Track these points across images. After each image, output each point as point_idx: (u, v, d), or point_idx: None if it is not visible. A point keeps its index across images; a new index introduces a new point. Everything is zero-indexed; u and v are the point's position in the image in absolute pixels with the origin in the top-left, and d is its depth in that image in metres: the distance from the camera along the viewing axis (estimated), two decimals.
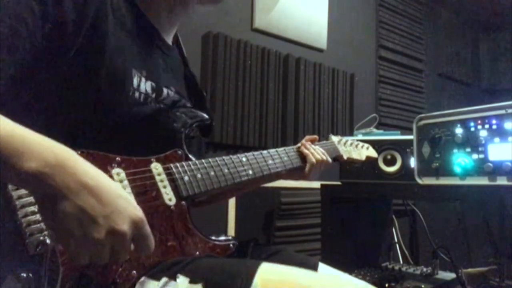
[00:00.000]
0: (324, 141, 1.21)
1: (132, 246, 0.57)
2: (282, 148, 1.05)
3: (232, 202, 1.98)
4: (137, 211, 0.57)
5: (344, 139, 1.31)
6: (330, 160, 1.13)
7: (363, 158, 1.35)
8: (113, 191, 0.56)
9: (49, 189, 0.51)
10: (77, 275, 0.62)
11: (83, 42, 0.70)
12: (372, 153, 1.42)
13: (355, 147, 1.33)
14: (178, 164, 0.79)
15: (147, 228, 0.57)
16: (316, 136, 1.17)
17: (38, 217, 0.59)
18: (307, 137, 1.16)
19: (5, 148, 0.50)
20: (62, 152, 0.55)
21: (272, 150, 1.01)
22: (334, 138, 1.27)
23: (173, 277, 0.68)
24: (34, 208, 0.59)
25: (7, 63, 0.62)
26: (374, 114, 2.22)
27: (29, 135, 0.54)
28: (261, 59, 2.18)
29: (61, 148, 0.55)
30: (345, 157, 1.24)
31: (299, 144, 1.12)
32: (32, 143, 0.53)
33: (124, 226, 0.54)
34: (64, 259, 0.60)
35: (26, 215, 0.58)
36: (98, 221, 0.52)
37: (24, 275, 0.48)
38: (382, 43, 2.98)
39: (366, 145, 1.40)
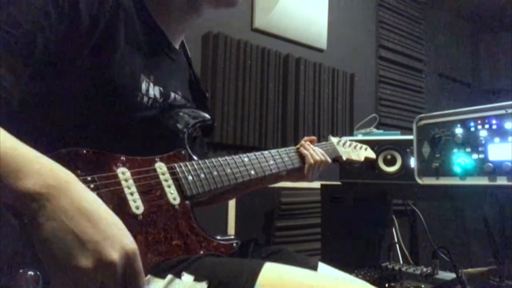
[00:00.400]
0: (324, 142, 1.24)
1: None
2: (283, 149, 1.07)
3: (232, 202, 1.99)
4: (131, 243, 0.52)
5: (343, 140, 1.32)
6: (329, 160, 1.15)
7: (362, 159, 1.37)
8: (109, 218, 0.53)
9: (42, 210, 0.48)
10: None
11: (94, 47, 0.71)
12: (371, 154, 1.44)
13: (354, 148, 1.36)
14: (181, 164, 0.80)
15: (140, 265, 0.53)
16: (314, 137, 1.18)
17: None
18: (306, 138, 1.18)
19: (4, 165, 0.48)
20: (63, 175, 0.52)
21: (273, 151, 1.03)
22: (333, 139, 1.28)
23: (178, 275, 0.68)
24: None
25: (22, 69, 0.62)
26: (374, 114, 2.22)
27: (30, 153, 0.52)
28: (261, 59, 2.19)
29: (62, 171, 0.53)
30: (344, 158, 1.26)
31: (298, 145, 1.13)
32: (32, 162, 0.51)
33: (115, 255, 0.49)
34: None
35: None
36: (88, 246, 0.48)
37: (32, 273, 0.49)
38: (382, 43, 2.99)
39: (364, 146, 1.43)
